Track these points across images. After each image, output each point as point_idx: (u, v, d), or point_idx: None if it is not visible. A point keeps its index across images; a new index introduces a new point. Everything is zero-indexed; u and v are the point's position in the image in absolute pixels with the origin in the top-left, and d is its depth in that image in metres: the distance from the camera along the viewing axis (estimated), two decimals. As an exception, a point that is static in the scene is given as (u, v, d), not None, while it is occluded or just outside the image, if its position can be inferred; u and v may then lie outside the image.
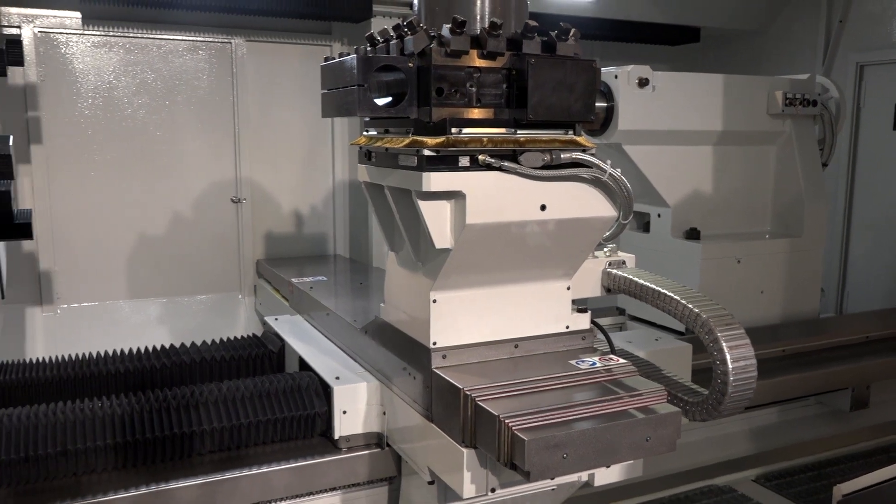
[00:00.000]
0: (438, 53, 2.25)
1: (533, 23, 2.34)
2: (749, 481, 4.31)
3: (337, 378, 2.95)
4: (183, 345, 3.61)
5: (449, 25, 2.25)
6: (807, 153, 4.93)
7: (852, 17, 6.48)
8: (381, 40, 2.47)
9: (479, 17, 2.41)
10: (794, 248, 4.84)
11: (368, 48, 2.52)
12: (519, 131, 2.39)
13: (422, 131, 2.33)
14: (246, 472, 2.72)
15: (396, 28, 2.35)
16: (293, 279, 4.59)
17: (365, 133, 2.72)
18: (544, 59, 2.31)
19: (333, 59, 2.49)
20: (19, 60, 3.52)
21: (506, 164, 2.31)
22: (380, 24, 2.54)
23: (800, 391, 4.41)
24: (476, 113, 2.34)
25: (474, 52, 2.30)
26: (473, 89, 2.32)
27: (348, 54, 2.38)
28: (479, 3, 2.42)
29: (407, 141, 2.34)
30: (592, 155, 2.43)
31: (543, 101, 2.31)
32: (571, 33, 2.36)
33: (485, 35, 2.28)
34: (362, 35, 2.52)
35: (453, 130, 2.28)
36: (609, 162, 2.43)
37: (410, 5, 2.59)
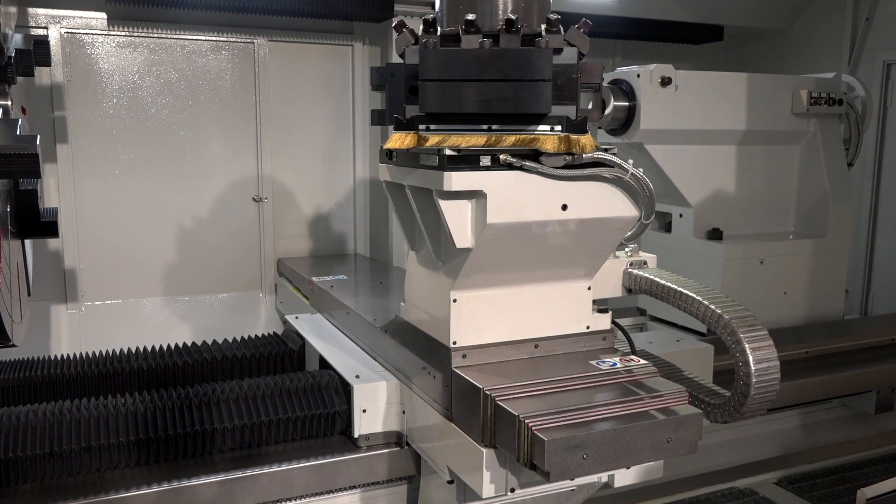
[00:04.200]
0: (575, 52, 2.28)
1: (588, 21, 2.35)
2: (771, 484, 4.27)
3: (357, 377, 2.96)
4: (204, 342, 3.64)
5: (576, 25, 2.27)
6: (832, 153, 4.87)
7: (879, 14, 6.37)
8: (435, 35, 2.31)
9: (501, 13, 2.37)
10: (819, 249, 4.78)
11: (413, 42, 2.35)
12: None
13: (570, 129, 2.34)
14: (266, 470, 2.73)
15: (511, 22, 2.25)
16: (314, 278, 4.60)
17: (428, 130, 2.33)
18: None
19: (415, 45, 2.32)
20: (46, 61, 3.55)
21: (527, 163, 2.30)
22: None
23: (823, 393, 4.35)
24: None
25: None
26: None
27: (402, 53, 2.32)
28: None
29: (560, 139, 2.31)
30: (614, 154, 2.41)
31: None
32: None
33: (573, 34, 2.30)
34: (384, 35, 2.49)
35: None
36: (631, 161, 2.41)
37: (432, 4, 2.59)
